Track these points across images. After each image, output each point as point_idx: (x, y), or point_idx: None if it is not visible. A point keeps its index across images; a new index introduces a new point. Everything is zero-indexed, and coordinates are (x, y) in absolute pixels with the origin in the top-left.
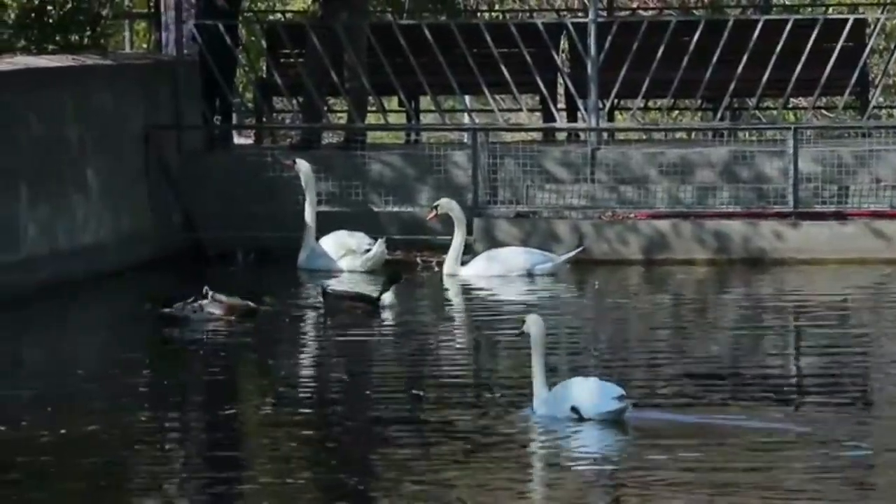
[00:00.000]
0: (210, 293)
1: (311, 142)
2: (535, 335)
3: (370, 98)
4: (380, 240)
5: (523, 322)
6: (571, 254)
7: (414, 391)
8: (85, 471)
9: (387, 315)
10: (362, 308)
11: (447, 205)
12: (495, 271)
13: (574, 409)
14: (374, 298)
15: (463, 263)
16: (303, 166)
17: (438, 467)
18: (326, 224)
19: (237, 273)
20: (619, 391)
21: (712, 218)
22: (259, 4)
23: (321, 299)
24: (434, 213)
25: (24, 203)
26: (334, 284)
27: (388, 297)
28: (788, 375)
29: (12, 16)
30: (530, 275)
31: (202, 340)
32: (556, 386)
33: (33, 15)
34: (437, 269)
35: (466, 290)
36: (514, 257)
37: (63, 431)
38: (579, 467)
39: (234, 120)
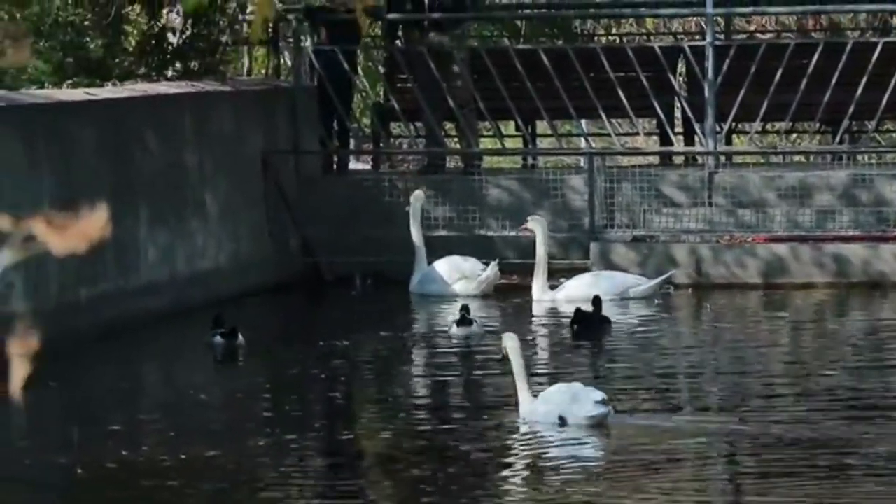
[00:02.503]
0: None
1: (436, 167)
2: (513, 348)
3: (487, 123)
4: (492, 263)
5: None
6: (663, 277)
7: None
8: (206, 495)
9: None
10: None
11: (535, 223)
12: (587, 296)
13: (560, 418)
14: (608, 318)
15: (551, 287)
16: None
17: (558, 499)
18: (443, 249)
19: (356, 298)
20: (601, 396)
21: (832, 241)
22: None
23: (574, 318)
24: (525, 226)
25: (144, 228)
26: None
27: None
28: None
29: (133, 43)
30: (623, 299)
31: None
32: (541, 393)
33: (153, 42)
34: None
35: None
36: (608, 281)
37: (184, 456)
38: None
39: (352, 145)
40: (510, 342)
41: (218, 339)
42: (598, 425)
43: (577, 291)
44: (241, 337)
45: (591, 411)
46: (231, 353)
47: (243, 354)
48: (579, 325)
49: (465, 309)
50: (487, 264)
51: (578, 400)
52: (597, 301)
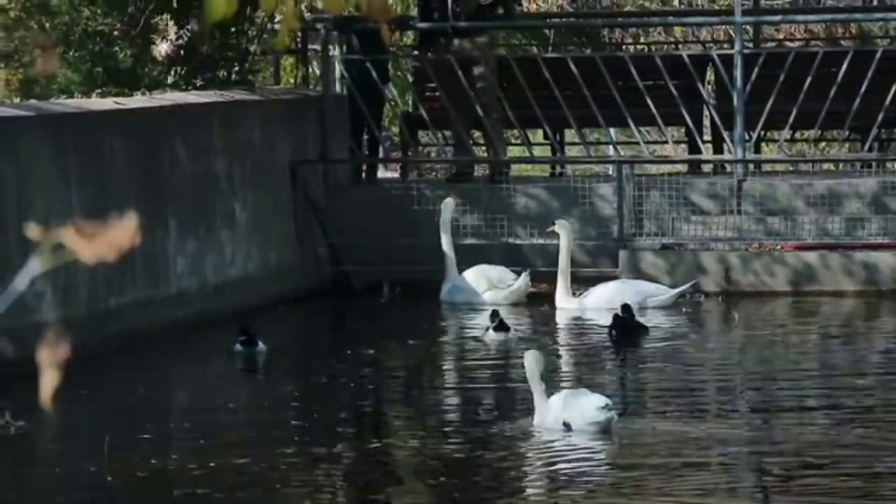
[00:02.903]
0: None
1: (467, 175)
2: (529, 357)
3: (515, 131)
4: (524, 273)
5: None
6: (683, 288)
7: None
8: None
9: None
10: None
11: (561, 228)
12: (610, 304)
13: (565, 424)
14: (644, 325)
15: (575, 295)
16: (449, 204)
17: None
18: (471, 257)
19: (384, 307)
20: (605, 401)
21: (861, 249)
22: (407, 40)
23: (612, 324)
24: (552, 227)
25: (173, 237)
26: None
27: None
28: None
29: (161, 52)
30: (642, 308)
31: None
32: (548, 400)
33: (182, 52)
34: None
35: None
36: (630, 289)
37: (213, 464)
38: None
39: (381, 154)
40: (527, 353)
41: (237, 347)
42: (603, 430)
43: (600, 299)
44: (260, 344)
45: (594, 417)
46: (251, 362)
47: (263, 362)
48: (617, 330)
49: (496, 314)
50: (519, 273)
51: (582, 405)
52: (627, 309)
